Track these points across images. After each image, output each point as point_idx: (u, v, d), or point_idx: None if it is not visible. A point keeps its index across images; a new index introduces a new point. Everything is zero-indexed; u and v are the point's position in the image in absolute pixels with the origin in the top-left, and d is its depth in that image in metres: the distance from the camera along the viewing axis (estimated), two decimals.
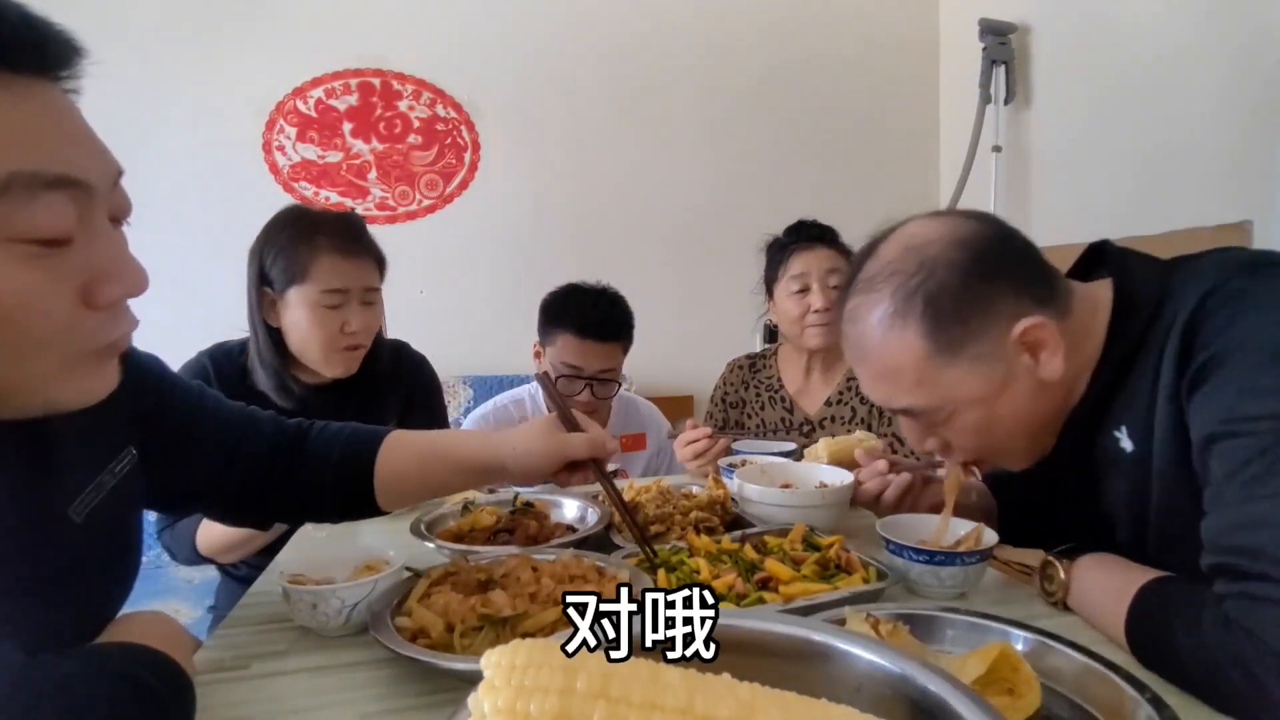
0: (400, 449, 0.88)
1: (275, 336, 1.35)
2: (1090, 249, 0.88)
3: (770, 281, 1.67)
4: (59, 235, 0.48)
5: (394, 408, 1.48)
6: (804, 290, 1.59)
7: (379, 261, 1.41)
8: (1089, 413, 0.81)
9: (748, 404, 1.73)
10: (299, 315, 1.31)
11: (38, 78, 0.48)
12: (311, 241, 1.31)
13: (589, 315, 1.64)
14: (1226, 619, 0.59)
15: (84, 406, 0.56)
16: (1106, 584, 0.74)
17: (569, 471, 0.90)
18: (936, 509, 1.02)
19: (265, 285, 1.33)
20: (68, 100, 0.50)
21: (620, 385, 1.74)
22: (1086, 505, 0.86)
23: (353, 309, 1.33)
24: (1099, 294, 0.82)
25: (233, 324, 1.45)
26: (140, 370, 0.76)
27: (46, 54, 0.48)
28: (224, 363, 1.38)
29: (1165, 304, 0.75)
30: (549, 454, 0.86)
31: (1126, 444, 0.78)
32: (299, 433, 0.88)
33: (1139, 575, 0.71)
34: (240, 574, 1.47)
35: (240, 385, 1.35)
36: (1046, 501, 0.97)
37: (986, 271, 0.77)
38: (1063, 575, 0.79)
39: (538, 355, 1.75)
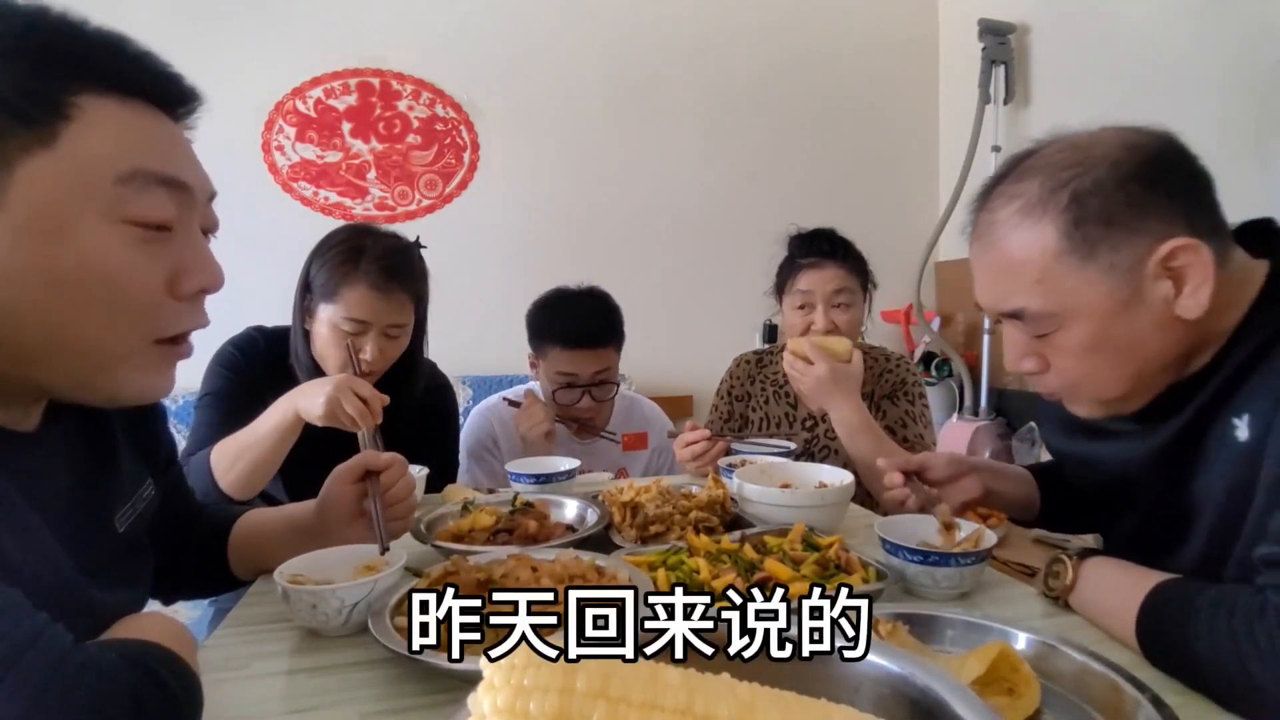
0: (246, 524, 0.97)
1: (310, 339, 1.40)
2: (1251, 226, 0.80)
3: (779, 289, 1.67)
4: (162, 222, 0.61)
5: (413, 425, 1.49)
6: (807, 308, 1.58)
7: (417, 296, 1.41)
8: (1214, 394, 0.75)
9: (753, 398, 1.74)
10: (322, 330, 1.35)
11: (162, 110, 0.63)
12: (352, 267, 1.33)
13: (574, 325, 1.64)
14: (1263, 607, 0.59)
15: (144, 402, 0.66)
16: (1118, 581, 0.74)
17: (363, 485, 0.94)
18: (969, 504, 1.04)
19: (307, 290, 1.37)
20: (182, 132, 0.66)
21: (618, 386, 1.74)
22: (1165, 489, 0.81)
23: (370, 339, 1.34)
24: (1254, 270, 0.76)
25: (231, 321, 1.46)
26: (163, 428, 0.86)
27: (170, 94, 0.64)
28: (274, 343, 1.44)
29: None
30: (331, 480, 0.94)
31: (1243, 433, 0.72)
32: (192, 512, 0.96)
33: (1153, 575, 0.71)
34: None
35: (285, 367, 1.40)
36: (1101, 488, 0.92)
37: (1149, 179, 0.71)
38: (1070, 573, 0.78)
39: (533, 365, 1.74)
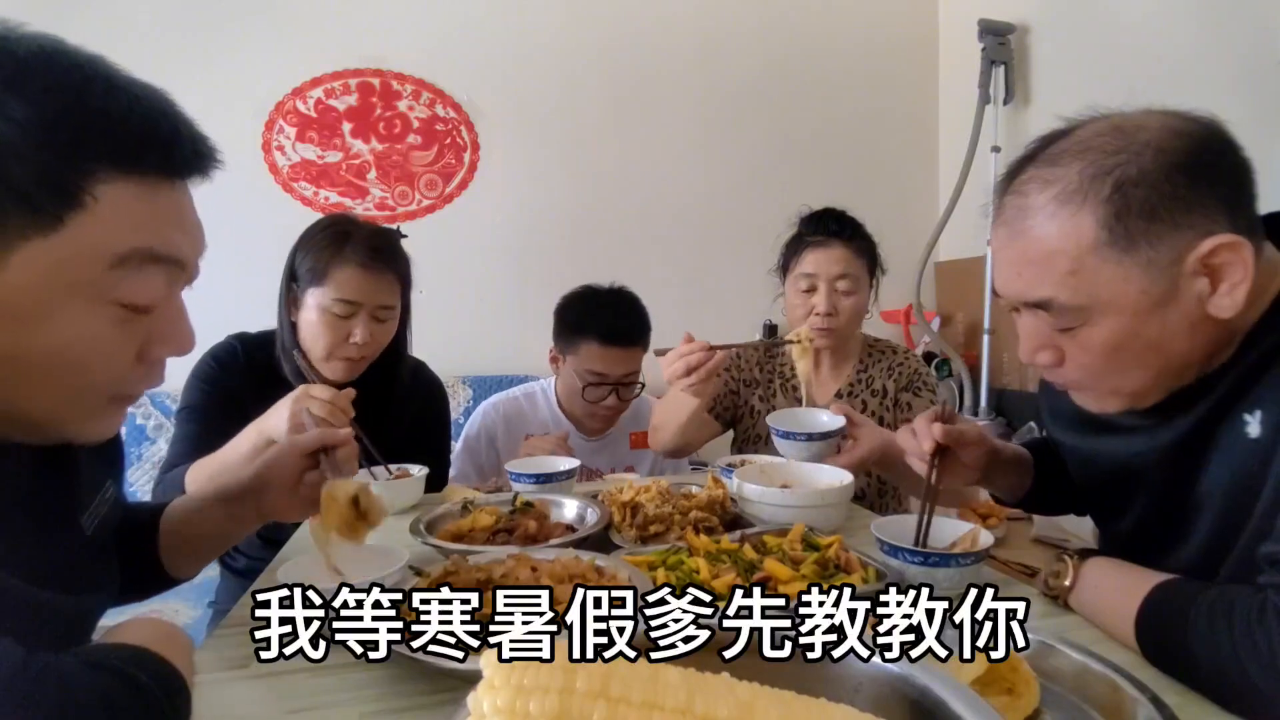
0: (173, 511, 0.89)
1: (297, 331, 1.39)
2: (1275, 216, 0.77)
3: (783, 269, 1.63)
4: (149, 304, 0.58)
5: (403, 424, 1.49)
6: (810, 290, 1.54)
7: (403, 279, 1.42)
8: (1229, 389, 0.72)
9: (760, 385, 1.67)
10: (311, 316, 1.34)
11: (164, 179, 0.58)
12: (338, 248, 1.33)
13: (612, 324, 1.65)
14: (1263, 607, 0.59)
15: (88, 443, 0.64)
16: (1118, 582, 0.74)
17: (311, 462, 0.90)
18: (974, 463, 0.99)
19: (293, 280, 1.37)
20: (185, 195, 0.61)
21: (643, 385, 1.74)
22: (1172, 484, 0.79)
23: (361, 321, 1.34)
24: (1277, 262, 0.72)
25: (230, 321, 1.46)
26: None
27: (189, 164, 0.59)
28: (255, 350, 1.42)
29: None
30: (280, 451, 0.89)
31: (1254, 429, 0.70)
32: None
33: (1153, 575, 0.71)
34: (239, 567, 1.48)
35: (268, 373, 1.38)
36: (1103, 483, 0.90)
37: (1196, 172, 0.68)
38: (1071, 573, 0.78)
39: (554, 361, 1.74)
